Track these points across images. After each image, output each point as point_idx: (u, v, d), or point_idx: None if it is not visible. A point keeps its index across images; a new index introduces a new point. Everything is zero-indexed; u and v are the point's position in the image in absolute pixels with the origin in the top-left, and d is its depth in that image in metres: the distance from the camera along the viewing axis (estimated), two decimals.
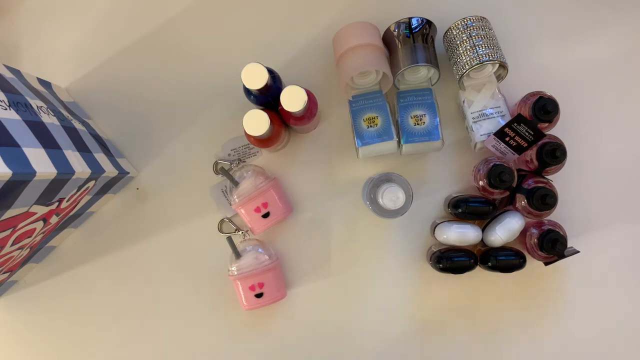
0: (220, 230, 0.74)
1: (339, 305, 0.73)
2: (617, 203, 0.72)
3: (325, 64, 0.74)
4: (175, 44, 0.76)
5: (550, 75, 0.73)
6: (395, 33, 0.68)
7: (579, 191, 0.72)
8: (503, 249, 0.68)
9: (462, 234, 0.67)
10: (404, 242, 0.73)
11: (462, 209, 0.67)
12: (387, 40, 0.69)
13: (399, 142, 0.69)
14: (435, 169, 0.73)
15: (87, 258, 0.75)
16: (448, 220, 0.69)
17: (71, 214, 0.68)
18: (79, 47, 0.76)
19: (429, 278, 0.72)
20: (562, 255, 0.65)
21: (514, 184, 0.66)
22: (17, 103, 0.56)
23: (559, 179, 0.68)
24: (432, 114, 0.69)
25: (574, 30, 0.74)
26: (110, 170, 0.66)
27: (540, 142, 0.66)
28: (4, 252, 0.60)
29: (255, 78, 0.62)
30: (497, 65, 0.68)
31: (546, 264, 0.67)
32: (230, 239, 0.69)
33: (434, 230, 0.70)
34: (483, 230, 0.69)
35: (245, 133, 0.66)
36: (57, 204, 0.61)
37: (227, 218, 0.74)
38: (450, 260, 0.67)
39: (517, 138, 0.65)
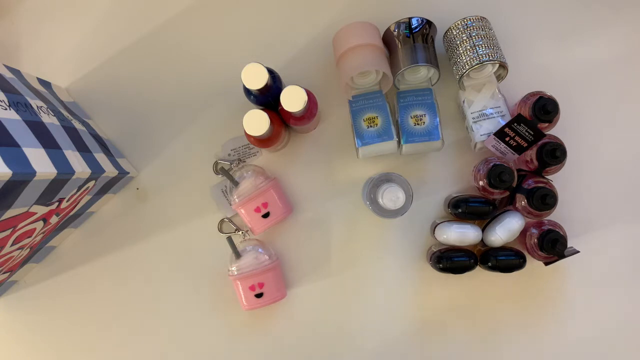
0: (220, 230, 0.74)
1: (339, 305, 0.73)
2: (617, 203, 0.72)
3: (325, 64, 0.74)
4: (175, 44, 0.76)
5: (550, 75, 0.73)
6: (395, 33, 0.68)
7: (579, 191, 0.72)
8: (503, 249, 0.68)
9: (462, 234, 0.67)
10: (404, 242, 0.73)
11: (462, 209, 0.67)
12: (387, 40, 0.69)
13: (399, 142, 0.69)
14: (435, 169, 0.73)
15: (87, 258, 0.75)
16: (448, 220, 0.69)
17: (71, 214, 0.68)
18: (79, 47, 0.76)
19: (429, 278, 0.72)
20: (562, 255, 0.65)
21: (514, 184, 0.66)
22: (17, 103, 0.56)
23: (559, 179, 0.68)
24: (432, 114, 0.69)
25: (574, 30, 0.74)
26: (110, 170, 0.66)
27: (540, 142, 0.66)
28: (4, 252, 0.60)
29: (255, 78, 0.62)
30: (497, 65, 0.68)
31: (546, 264, 0.67)
32: (230, 239, 0.69)
33: (434, 230, 0.70)
34: (483, 230, 0.69)
35: (245, 133, 0.66)
36: (57, 204, 0.61)
37: (227, 218, 0.74)
38: (450, 260, 0.67)
39: (517, 138, 0.65)
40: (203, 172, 0.74)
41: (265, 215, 0.70)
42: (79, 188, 0.62)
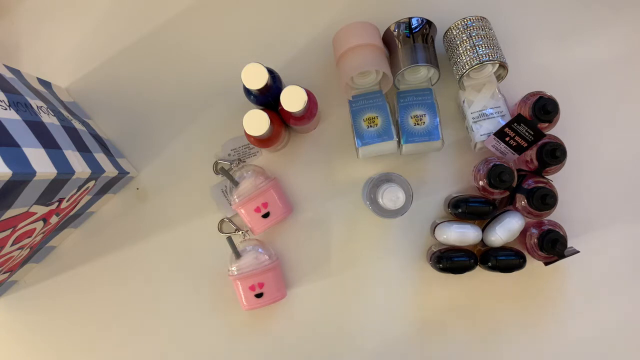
0: (220, 230, 0.74)
1: (339, 305, 0.73)
2: (617, 203, 0.72)
3: (325, 64, 0.74)
4: (175, 44, 0.76)
5: (550, 75, 0.73)
6: (395, 33, 0.68)
7: (579, 191, 0.72)
8: (503, 249, 0.68)
9: (462, 234, 0.67)
10: (404, 242, 0.73)
11: (462, 209, 0.67)
12: (387, 40, 0.69)
13: (399, 142, 0.69)
14: (435, 169, 0.73)
15: (87, 258, 0.75)
16: (448, 220, 0.69)
17: (71, 214, 0.68)
18: (79, 47, 0.76)
19: (429, 278, 0.72)
20: (562, 255, 0.65)
21: (514, 184, 0.66)
22: (17, 103, 0.56)
23: (559, 179, 0.68)
24: (432, 114, 0.69)
25: (574, 30, 0.74)
26: (110, 170, 0.66)
27: (540, 142, 0.66)
28: (4, 252, 0.60)
29: (255, 78, 0.62)
30: (497, 65, 0.68)
31: (546, 264, 0.67)
32: (230, 239, 0.69)
33: (434, 230, 0.70)
34: (483, 230, 0.69)
35: (245, 133, 0.66)
36: (57, 204, 0.61)
37: (227, 218, 0.74)
38: (450, 260, 0.67)
39: (517, 138, 0.65)
40: (203, 172, 0.74)
41: (265, 215, 0.70)
42: (79, 188, 0.62)
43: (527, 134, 0.64)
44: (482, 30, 0.66)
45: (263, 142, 0.67)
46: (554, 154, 0.64)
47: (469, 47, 0.66)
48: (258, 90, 0.62)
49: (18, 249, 0.63)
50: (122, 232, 0.74)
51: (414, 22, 0.68)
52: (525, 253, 0.68)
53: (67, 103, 0.72)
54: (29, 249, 0.67)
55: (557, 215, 0.68)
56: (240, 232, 0.73)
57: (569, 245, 0.66)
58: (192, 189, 0.74)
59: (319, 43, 0.74)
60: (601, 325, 0.71)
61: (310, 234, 0.73)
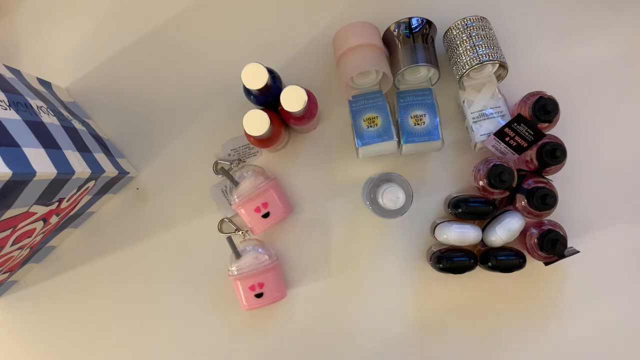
0: (220, 230, 0.74)
1: (339, 305, 0.73)
2: (617, 203, 0.72)
3: (325, 64, 0.74)
4: (175, 44, 0.76)
5: (550, 75, 0.73)
6: (395, 33, 0.68)
7: (579, 191, 0.72)
8: (503, 249, 0.68)
9: (462, 234, 0.67)
10: (404, 242, 0.73)
11: (462, 209, 0.67)
12: (387, 40, 0.69)
13: (399, 142, 0.69)
14: (435, 169, 0.73)
15: (87, 258, 0.75)
16: (448, 220, 0.69)
17: (71, 214, 0.68)
18: (79, 47, 0.76)
19: (429, 278, 0.72)
20: (562, 255, 0.65)
21: (514, 184, 0.66)
22: (17, 103, 0.56)
23: (559, 179, 0.68)
24: (432, 114, 0.69)
25: (574, 30, 0.74)
26: (110, 170, 0.66)
27: (540, 142, 0.66)
28: (4, 252, 0.60)
29: (255, 78, 0.62)
30: (497, 65, 0.68)
31: (546, 264, 0.67)
32: (230, 239, 0.69)
33: (434, 230, 0.70)
34: (483, 230, 0.69)
35: (245, 133, 0.66)
36: (57, 204, 0.61)
37: (227, 218, 0.74)
38: (450, 260, 0.67)
39: (517, 138, 0.65)
40: (203, 172, 0.74)
41: (265, 215, 0.70)
42: (79, 188, 0.62)
43: (527, 134, 0.64)
44: (482, 30, 0.66)
45: (263, 142, 0.67)
46: (554, 154, 0.64)
47: (469, 47, 0.66)
48: (258, 90, 0.62)
49: (18, 249, 0.63)
50: (122, 232, 0.74)
51: (414, 22, 0.68)
52: (525, 253, 0.68)
53: (67, 103, 0.72)
54: (29, 249, 0.67)
55: (557, 215, 0.68)
56: (240, 232, 0.73)
57: (569, 245, 0.66)
58: (192, 189, 0.74)
59: (319, 43, 0.74)
60: (601, 325, 0.71)
61: (310, 234, 0.73)
